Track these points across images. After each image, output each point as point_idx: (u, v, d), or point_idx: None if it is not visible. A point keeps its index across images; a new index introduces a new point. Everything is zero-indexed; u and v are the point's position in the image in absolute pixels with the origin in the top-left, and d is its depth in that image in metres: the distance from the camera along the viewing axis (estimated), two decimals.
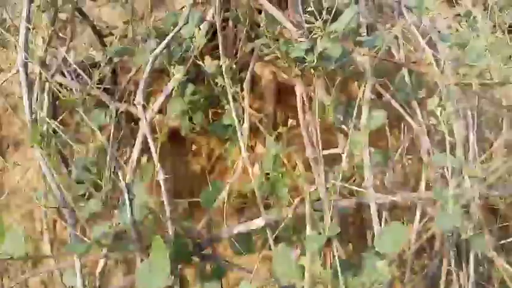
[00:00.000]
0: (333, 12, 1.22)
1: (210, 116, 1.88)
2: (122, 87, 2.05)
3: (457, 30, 1.66)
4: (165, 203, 1.23)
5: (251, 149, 2.22)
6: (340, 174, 1.21)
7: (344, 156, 1.26)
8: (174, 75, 1.42)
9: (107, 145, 1.44)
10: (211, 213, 1.47)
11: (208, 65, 1.37)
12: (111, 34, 2.50)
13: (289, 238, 1.41)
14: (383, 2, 1.84)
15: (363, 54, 1.26)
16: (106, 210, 1.39)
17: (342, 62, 1.29)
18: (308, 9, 1.19)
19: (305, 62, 1.21)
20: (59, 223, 1.86)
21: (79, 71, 1.77)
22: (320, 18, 1.18)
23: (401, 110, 1.35)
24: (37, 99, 1.63)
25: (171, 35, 1.28)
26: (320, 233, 1.25)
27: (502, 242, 1.52)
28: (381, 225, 1.30)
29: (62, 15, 2.10)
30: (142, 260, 1.25)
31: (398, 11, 1.58)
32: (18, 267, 1.90)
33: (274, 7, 1.46)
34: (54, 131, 1.50)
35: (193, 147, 2.28)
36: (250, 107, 1.85)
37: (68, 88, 1.89)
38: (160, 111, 1.68)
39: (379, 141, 1.76)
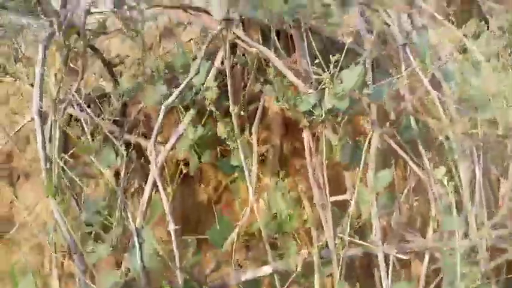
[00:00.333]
0: (339, 64, 1.23)
1: (218, 152, 1.90)
2: (132, 119, 2.09)
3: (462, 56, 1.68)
4: (175, 251, 1.25)
5: (257, 179, 2.23)
6: (348, 225, 1.22)
7: (352, 204, 1.27)
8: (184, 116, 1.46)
9: (117, 188, 1.46)
10: (219, 255, 1.48)
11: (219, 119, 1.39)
12: (121, 63, 2.53)
13: (297, 282, 1.42)
14: (387, 33, 1.86)
15: (369, 104, 1.28)
16: (115, 253, 1.41)
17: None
18: (316, 61, 1.21)
19: (313, 114, 1.23)
20: (67, 258, 1.87)
21: (84, 105, 1.79)
22: (328, 70, 1.20)
23: (407, 159, 1.36)
24: (50, 137, 1.65)
25: (182, 85, 1.31)
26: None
27: None
28: (388, 270, 1.31)
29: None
30: None
31: (403, 54, 1.60)
32: None
33: (282, 51, 1.48)
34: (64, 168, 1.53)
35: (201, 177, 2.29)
36: (258, 138, 1.87)
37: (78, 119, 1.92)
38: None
39: None
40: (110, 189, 1.51)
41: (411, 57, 1.62)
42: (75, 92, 1.86)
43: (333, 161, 1.62)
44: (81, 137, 1.93)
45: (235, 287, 1.45)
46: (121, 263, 1.43)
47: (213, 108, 1.44)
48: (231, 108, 1.36)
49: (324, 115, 1.21)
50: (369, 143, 1.33)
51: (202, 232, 2.31)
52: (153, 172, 1.37)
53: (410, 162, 1.35)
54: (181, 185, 2.27)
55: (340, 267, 1.20)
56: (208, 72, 1.32)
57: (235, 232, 1.46)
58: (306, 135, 1.41)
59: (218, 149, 1.91)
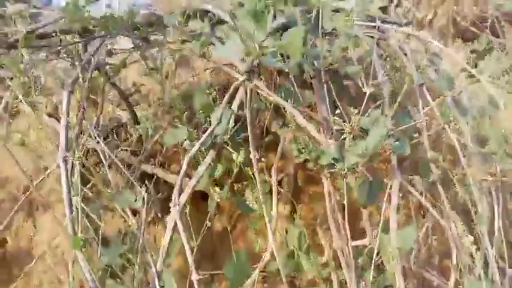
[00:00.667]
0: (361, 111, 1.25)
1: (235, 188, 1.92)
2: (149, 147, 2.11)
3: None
4: None
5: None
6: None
7: (375, 253, 1.27)
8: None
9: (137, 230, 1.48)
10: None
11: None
12: (138, 91, 2.56)
13: None
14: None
15: (389, 153, 1.29)
16: None
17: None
18: (336, 113, 1.23)
19: (334, 166, 1.24)
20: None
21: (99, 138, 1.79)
22: (349, 122, 1.21)
23: (428, 206, 1.37)
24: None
25: (204, 136, 1.33)
26: None
27: None
28: None
29: None
30: None
31: (420, 93, 1.61)
32: None
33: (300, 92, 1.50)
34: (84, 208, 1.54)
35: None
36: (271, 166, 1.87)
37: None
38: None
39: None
40: (129, 228, 1.53)
41: (428, 97, 1.63)
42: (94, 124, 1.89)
43: (350, 198, 1.63)
44: (99, 169, 1.96)
45: None
46: None
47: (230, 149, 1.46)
48: (251, 155, 1.37)
49: (346, 169, 1.22)
50: (390, 188, 1.34)
51: (217, 260, 2.32)
52: (174, 213, 1.38)
53: (431, 209, 1.36)
54: (197, 212, 2.29)
55: None
56: (229, 120, 1.34)
57: (256, 274, 1.47)
58: (326, 184, 1.42)
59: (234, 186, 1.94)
